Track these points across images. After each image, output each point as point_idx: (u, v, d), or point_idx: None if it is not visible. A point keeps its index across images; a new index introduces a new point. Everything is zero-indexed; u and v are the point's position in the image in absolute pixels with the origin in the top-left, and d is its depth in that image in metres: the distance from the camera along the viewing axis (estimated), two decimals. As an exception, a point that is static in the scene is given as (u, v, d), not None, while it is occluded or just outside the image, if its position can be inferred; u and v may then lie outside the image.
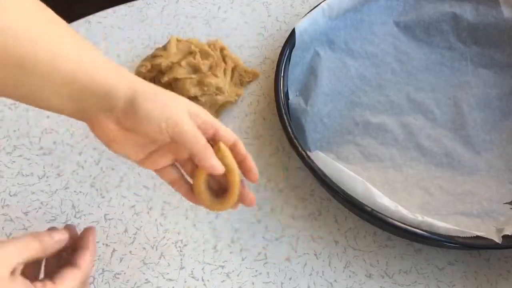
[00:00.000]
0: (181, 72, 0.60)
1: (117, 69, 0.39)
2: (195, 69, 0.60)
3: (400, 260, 0.52)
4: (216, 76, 0.60)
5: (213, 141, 0.42)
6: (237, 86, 0.64)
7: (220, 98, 0.60)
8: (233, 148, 0.42)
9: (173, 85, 0.60)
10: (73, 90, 0.37)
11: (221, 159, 0.41)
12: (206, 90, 0.59)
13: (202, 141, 0.40)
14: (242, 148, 0.43)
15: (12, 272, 0.35)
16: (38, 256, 0.37)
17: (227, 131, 0.42)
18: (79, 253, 0.40)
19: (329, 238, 0.53)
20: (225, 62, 0.63)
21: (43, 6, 0.39)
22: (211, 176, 0.44)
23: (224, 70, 0.62)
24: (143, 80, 0.40)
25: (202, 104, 0.60)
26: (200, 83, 0.59)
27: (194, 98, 0.59)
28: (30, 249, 0.37)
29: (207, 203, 0.44)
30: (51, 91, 0.37)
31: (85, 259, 0.40)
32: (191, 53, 0.61)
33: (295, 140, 0.53)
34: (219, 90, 0.60)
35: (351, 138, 0.59)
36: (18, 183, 0.56)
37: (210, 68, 0.61)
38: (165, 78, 0.60)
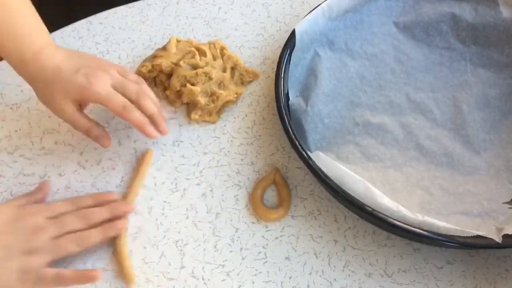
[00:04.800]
0: (182, 71, 0.60)
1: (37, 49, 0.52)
2: (194, 68, 0.61)
3: (399, 259, 0.52)
4: (213, 68, 0.61)
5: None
6: (238, 85, 0.64)
7: (223, 95, 0.60)
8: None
9: (182, 90, 0.61)
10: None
11: None
12: (208, 85, 0.60)
13: (84, 124, 0.54)
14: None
15: None
16: None
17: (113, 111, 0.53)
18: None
19: (329, 237, 0.54)
20: (223, 61, 0.64)
21: None
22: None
23: (224, 68, 0.63)
24: (51, 66, 0.51)
25: (206, 107, 0.60)
26: (207, 92, 0.61)
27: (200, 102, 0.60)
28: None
29: (262, 213, 0.54)
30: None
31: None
32: (189, 52, 0.62)
33: (295, 140, 0.53)
34: (221, 83, 0.61)
35: (351, 138, 0.59)
36: (19, 183, 0.57)
37: (207, 64, 0.61)
38: (176, 85, 0.61)
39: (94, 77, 0.51)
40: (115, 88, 0.52)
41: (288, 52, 0.60)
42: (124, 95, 0.52)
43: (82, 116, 0.53)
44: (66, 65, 0.52)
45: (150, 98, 0.54)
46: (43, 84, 0.52)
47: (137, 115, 0.52)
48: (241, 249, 0.53)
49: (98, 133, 0.54)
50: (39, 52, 0.52)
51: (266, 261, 0.52)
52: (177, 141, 0.60)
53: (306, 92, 0.61)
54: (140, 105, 0.53)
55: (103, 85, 0.52)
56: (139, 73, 0.63)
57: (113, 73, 0.53)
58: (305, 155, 0.52)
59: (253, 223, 0.55)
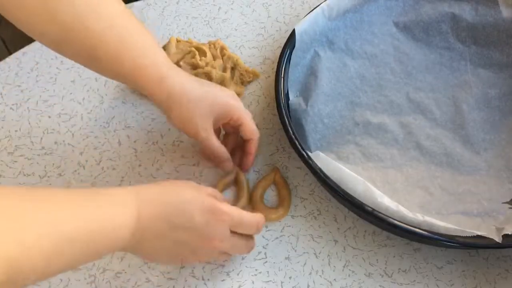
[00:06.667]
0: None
1: (161, 74, 0.49)
2: (194, 68, 0.61)
3: (399, 259, 0.52)
4: (214, 68, 0.61)
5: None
6: (238, 85, 0.64)
7: None
8: (246, 143, 0.56)
9: None
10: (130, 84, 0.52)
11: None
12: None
13: (218, 148, 0.53)
14: (251, 146, 0.55)
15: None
16: None
17: (248, 129, 0.54)
18: None
19: (329, 237, 0.54)
20: (223, 61, 0.64)
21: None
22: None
23: (224, 68, 0.63)
24: (179, 88, 0.49)
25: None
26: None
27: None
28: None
29: (262, 213, 0.52)
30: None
31: None
32: (189, 52, 0.62)
33: (295, 140, 0.53)
34: (221, 83, 0.61)
35: (351, 138, 0.59)
36: (19, 183, 0.57)
37: (207, 64, 0.61)
38: None
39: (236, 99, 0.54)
40: None
41: (288, 52, 0.60)
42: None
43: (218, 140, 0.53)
44: (201, 82, 0.52)
45: None
46: (186, 99, 0.49)
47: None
48: (241, 249, 0.53)
49: (225, 161, 0.55)
50: (172, 67, 0.50)
51: (266, 261, 0.52)
52: (177, 141, 0.60)
53: (306, 92, 0.61)
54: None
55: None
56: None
57: None
58: (305, 155, 0.52)
59: (253, 223, 0.54)
